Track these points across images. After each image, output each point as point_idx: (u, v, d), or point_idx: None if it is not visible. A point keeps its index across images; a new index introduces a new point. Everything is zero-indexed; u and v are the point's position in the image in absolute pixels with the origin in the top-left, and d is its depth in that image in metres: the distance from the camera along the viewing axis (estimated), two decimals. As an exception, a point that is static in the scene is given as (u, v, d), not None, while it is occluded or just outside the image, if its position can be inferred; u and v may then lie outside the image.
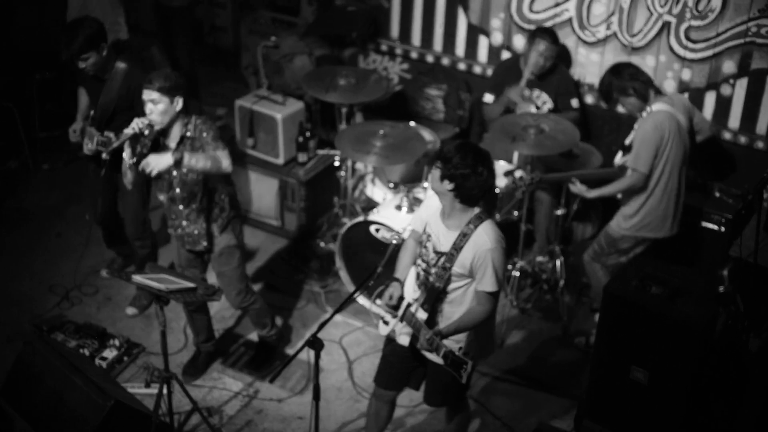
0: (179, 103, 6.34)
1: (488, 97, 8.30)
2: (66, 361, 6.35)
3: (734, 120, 7.96)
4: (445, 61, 9.14)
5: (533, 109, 8.04)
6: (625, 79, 7.03)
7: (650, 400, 6.03)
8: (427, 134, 8.30)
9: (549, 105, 8.09)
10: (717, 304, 6.47)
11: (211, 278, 7.07)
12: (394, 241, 6.60)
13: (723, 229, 7.27)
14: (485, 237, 5.53)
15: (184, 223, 6.65)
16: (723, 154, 8.04)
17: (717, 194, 7.50)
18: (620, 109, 7.57)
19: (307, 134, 8.56)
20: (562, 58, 8.35)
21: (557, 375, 7.44)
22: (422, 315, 5.68)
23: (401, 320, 5.80)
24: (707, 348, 5.96)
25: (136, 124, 6.28)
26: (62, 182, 9.37)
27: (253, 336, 7.58)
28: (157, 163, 6.26)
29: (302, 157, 8.57)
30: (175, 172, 6.46)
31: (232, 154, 6.60)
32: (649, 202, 7.08)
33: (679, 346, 5.81)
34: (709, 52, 7.85)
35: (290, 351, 7.51)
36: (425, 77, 9.26)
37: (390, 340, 6.05)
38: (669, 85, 8.10)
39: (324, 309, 7.97)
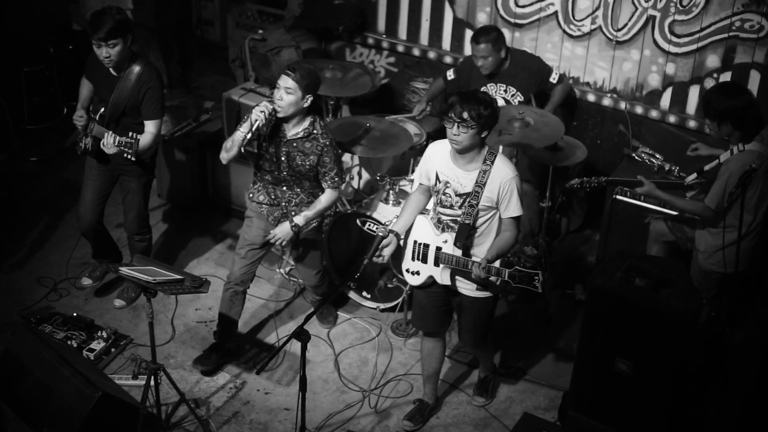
0: (309, 101, 6.55)
1: (449, 74, 8.41)
2: (54, 352, 6.37)
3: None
4: (432, 54, 9.17)
5: (503, 103, 8.05)
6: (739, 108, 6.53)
7: (634, 391, 6.07)
8: (412, 127, 8.32)
9: (519, 98, 8.09)
10: (700, 295, 6.51)
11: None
12: (381, 233, 6.64)
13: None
14: (506, 168, 6.04)
15: (284, 203, 6.88)
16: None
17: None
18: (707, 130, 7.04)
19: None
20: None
21: (542, 366, 7.49)
22: (458, 252, 6.14)
23: (437, 264, 6.23)
24: (691, 339, 5.99)
25: (263, 111, 6.49)
26: (51, 174, 9.37)
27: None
28: (284, 234, 6.85)
29: (289, 150, 8.60)
30: (283, 157, 6.69)
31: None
32: (748, 238, 6.76)
33: (663, 337, 5.84)
34: (693, 47, 7.90)
35: (277, 343, 7.54)
36: (411, 71, 9.29)
37: (421, 287, 6.47)
38: (653, 79, 8.15)
39: (311, 301, 7.99)
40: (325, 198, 6.87)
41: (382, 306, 7.88)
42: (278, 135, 6.69)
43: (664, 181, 7.48)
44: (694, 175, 7.09)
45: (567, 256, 8.36)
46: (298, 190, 6.85)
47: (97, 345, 7.32)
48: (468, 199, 6.06)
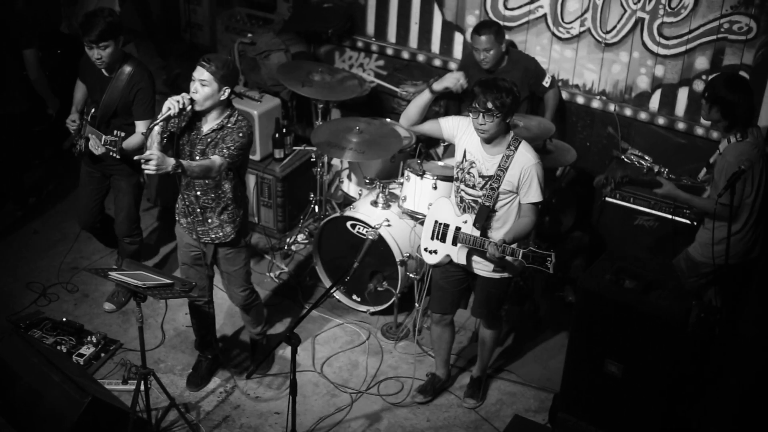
0: (226, 93, 6.27)
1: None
2: (43, 357, 6.35)
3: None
4: (421, 57, 9.16)
5: None
6: (737, 98, 6.62)
7: (625, 393, 6.08)
8: (402, 131, 8.32)
9: None
10: (690, 296, 6.52)
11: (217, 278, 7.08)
12: (371, 237, 6.65)
13: (695, 223, 7.33)
14: (528, 155, 6.25)
15: (198, 210, 6.56)
16: (695, 149, 8.09)
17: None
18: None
19: (284, 130, 8.58)
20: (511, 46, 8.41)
21: (532, 368, 7.49)
22: (476, 233, 6.35)
23: (455, 243, 6.44)
24: (681, 341, 6.00)
25: (178, 101, 6.13)
26: (38, 179, 9.35)
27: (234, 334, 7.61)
28: (162, 162, 5.97)
29: (278, 154, 8.60)
30: (198, 155, 6.36)
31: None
32: (740, 234, 6.80)
33: (652, 339, 5.86)
34: (682, 48, 7.90)
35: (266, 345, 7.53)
36: (401, 74, 9.28)
37: (437, 266, 6.71)
38: (642, 81, 8.16)
39: (301, 304, 7.99)
40: (210, 160, 6.26)
41: (372, 309, 7.88)
42: (194, 132, 6.41)
43: (680, 183, 7.51)
44: (704, 170, 7.15)
45: (557, 258, 8.34)
46: (213, 195, 6.51)
47: (87, 350, 7.31)
48: (490, 182, 6.26)
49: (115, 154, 6.91)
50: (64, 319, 7.60)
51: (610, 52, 8.21)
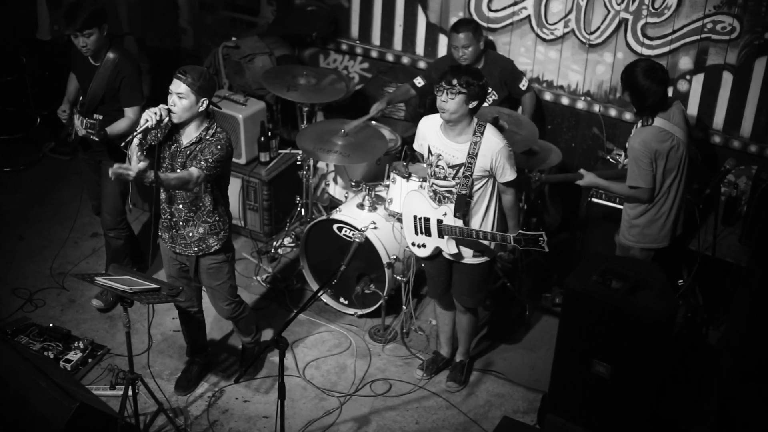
0: (204, 104, 6.22)
1: (418, 80, 8.39)
2: (30, 363, 6.33)
3: (691, 115, 8.04)
4: (405, 59, 9.17)
5: None
6: (645, 83, 6.68)
7: (612, 394, 6.09)
8: (387, 133, 8.33)
9: (493, 96, 8.11)
10: (677, 297, 6.54)
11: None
12: (357, 240, 6.65)
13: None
14: (495, 138, 6.37)
15: (181, 223, 6.52)
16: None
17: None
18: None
19: (269, 134, 8.58)
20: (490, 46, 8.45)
21: (520, 369, 7.51)
22: (459, 223, 6.49)
23: (441, 236, 6.58)
24: (667, 341, 6.02)
25: (155, 113, 6.07)
26: (24, 185, 9.33)
27: (227, 340, 7.60)
28: (142, 178, 5.98)
29: (264, 157, 8.60)
30: (179, 168, 6.31)
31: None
32: (647, 215, 6.92)
33: (640, 339, 5.86)
34: (666, 49, 7.92)
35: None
36: (385, 76, 9.29)
37: (427, 259, 6.89)
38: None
39: (288, 308, 7.99)
40: (188, 172, 6.22)
41: (359, 312, 7.88)
42: (174, 145, 6.37)
43: (605, 171, 7.60)
44: (623, 154, 7.23)
45: (543, 259, 8.36)
46: (194, 208, 6.47)
47: (74, 356, 7.30)
48: (461, 170, 6.37)
49: (93, 137, 7.02)
50: (51, 325, 7.59)
51: (594, 53, 8.23)
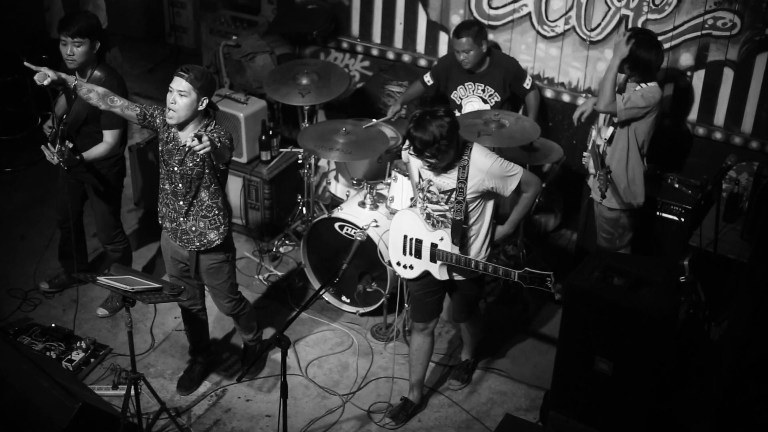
0: (203, 103, 6.21)
1: (427, 78, 8.41)
2: (33, 364, 6.33)
3: (692, 111, 8.04)
4: (406, 57, 9.17)
5: (481, 103, 8.09)
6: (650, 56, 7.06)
7: (615, 390, 6.08)
8: (389, 131, 8.32)
9: (496, 98, 8.10)
10: (678, 293, 6.53)
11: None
12: (359, 238, 6.64)
13: (683, 219, 7.35)
14: (483, 159, 6.13)
15: (182, 218, 6.51)
16: (681, 145, 8.11)
17: (676, 185, 7.59)
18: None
19: (270, 132, 8.58)
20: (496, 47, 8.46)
21: (522, 367, 7.50)
22: (456, 250, 6.28)
23: (433, 260, 6.36)
24: (670, 337, 6.01)
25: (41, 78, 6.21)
26: (25, 185, 9.33)
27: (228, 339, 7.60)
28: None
29: (265, 156, 8.59)
30: (176, 168, 6.32)
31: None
32: (636, 167, 7.22)
33: (642, 336, 5.86)
34: (666, 45, 7.91)
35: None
36: (386, 74, 9.29)
37: (414, 280, 6.60)
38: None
39: (290, 307, 7.99)
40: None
41: (361, 310, 7.88)
42: (172, 143, 6.36)
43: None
44: (611, 129, 7.26)
45: (545, 256, 8.36)
46: (194, 201, 6.45)
47: (77, 355, 7.30)
48: (453, 195, 6.16)
49: (64, 165, 6.81)
50: (53, 325, 7.59)
51: (594, 49, 8.23)
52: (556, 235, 8.83)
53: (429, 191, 6.27)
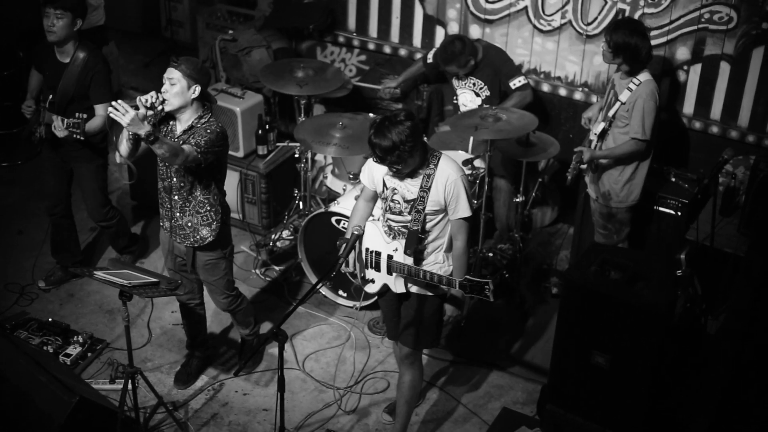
0: (196, 91, 6.25)
1: (429, 56, 8.48)
2: (30, 358, 6.34)
3: (689, 105, 8.05)
4: (403, 52, 9.17)
5: (474, 95, 8.09)
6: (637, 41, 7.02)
7: (612, 384, 6.10)
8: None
9: (486, 92, 8.10)
10: (675, 287, 6.54)
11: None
12: (356, 232, 6.63)
13: (679, 213, 7.36)
14: (448, 170, 5.86)
15: (178, 214, 6.53)
16: (678, 139, 8.12)
17: (672, 179, 7.60)
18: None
19: (267, 127, 8.57)
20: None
21: (519, 360, 7.51)
22: (409, 260, 5.99)
23: (390, 273, 6.11)
24: (666, 331, 6.02)
25: (146, 99, 6.09)
26: (22, 179, 9.32)
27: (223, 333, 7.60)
28: (135, 122, 5.90)
29: (262, 150, 8.58)
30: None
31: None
32: (642, 168, 7.24)
33: (639, 330, 5.87)
34: (663, 39, 7.93)
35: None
36: (383, 68, 9.29)
37: (381, 295, 6.35)
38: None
39: (287, 301, 7.99)
40: (182, 147, 6.16)
41: (358, 304, 7.87)
42: (168, 135, 6.38)
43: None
44: (602, 124, 7.25)
45: (542, 250, 8.38)
46: (189, 197, 6.45)
47: (74, 350, 7.30)
48: (414, 204, 5.93)
49: (79, 136, 6.99)
50: (50, 320, 7.59)
51: (591, 43, 8.23)
52: (552, 229, 8.84)
53: (392, 200, 6.01)
